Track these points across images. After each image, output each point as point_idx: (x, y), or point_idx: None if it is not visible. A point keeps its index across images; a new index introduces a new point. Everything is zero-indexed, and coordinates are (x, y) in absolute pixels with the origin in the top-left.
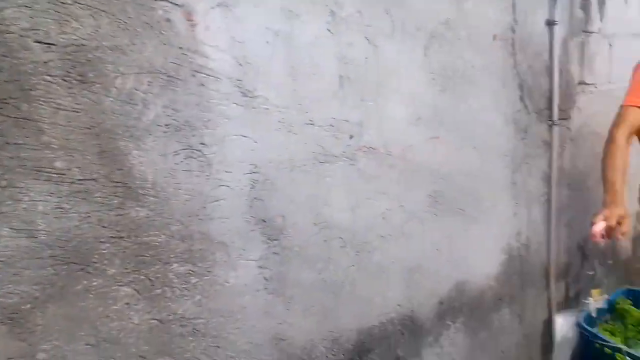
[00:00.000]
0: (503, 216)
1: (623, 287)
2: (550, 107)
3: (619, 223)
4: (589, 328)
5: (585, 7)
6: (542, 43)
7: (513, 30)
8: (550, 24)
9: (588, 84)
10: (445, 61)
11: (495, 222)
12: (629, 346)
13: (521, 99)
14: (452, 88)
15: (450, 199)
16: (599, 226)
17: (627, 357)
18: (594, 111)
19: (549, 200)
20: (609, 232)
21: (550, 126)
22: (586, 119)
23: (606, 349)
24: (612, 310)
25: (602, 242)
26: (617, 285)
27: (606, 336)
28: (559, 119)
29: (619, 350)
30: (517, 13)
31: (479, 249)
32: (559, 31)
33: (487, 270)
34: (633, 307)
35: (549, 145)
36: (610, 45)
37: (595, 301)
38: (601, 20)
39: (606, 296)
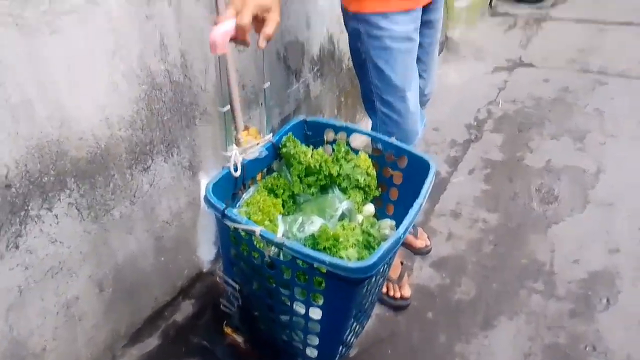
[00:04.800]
0: (111, 20)
1: (298, 118)
2: None
3: (261, 20)
4: (215, 203)
5: None
6: None
7: None
8: None
9: None
10: None
11: (96, 34)
12: (298, 203)
13: None
14: None
15: None
16: (223, 27)
17: (263, 241)
18: None
19: None
20: (241, 33)
21: None
22: None
23: (241, 231)
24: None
25: (225, 52)
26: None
27: (240, 215)
28: None
29: (254, 233)
30: None
31: (74, 85)
32: None
33: (108, 114)
34: (302, 149)
35: None
36: None
37: (246, 149)
38: None
39: (269, 137)
